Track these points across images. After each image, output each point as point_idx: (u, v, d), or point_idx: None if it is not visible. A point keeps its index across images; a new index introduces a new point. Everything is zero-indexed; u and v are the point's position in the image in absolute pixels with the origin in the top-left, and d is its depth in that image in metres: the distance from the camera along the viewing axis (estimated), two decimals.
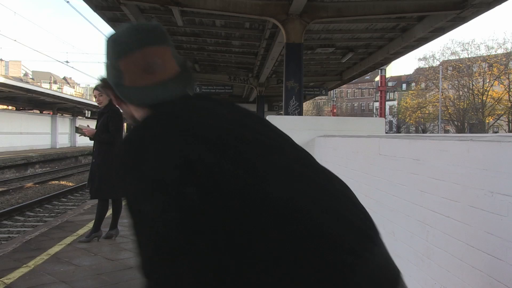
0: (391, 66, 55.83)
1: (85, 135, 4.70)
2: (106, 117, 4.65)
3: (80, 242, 4.56)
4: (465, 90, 40.95)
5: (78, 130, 4.78)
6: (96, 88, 4.73)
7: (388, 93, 55.63)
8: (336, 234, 0.70)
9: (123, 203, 3.68)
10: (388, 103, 53.95)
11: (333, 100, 64.18)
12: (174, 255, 0.67)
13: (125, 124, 4.86)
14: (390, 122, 57.63)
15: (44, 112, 31.36)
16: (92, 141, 4.76)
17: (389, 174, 2.49)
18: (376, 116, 49.86)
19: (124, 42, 0.88)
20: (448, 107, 41.35)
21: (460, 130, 40.04)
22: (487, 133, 28.63)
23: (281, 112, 17.55)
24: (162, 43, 0.90)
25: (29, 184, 13.14)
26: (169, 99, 0.87)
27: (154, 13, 9.17)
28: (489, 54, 39.39)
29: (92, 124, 4.87)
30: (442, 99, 39.68)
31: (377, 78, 51.85)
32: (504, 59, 37.99)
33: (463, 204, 1.60)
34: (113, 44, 0.89)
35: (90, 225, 5.48)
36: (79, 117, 35.90)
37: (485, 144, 1.49)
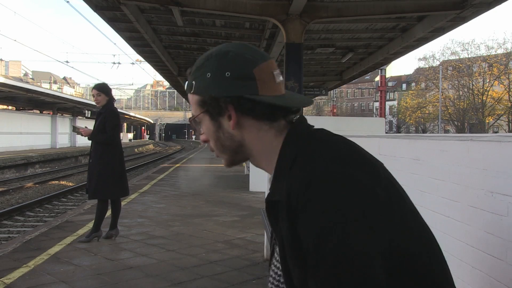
0: (391, 66, 55.80)
1: (82, 135, 4.72)
2: (103, 117, 4.66)
3: (80, 242, 4.57)
4: (465, 90, 40.95)
5: (75, 129, 4.81)
6: (95, 88, 4.73)
7: (388, 93, 55.63)
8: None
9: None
10: (388, 103, 53.94)
11: (333, 100, 64.21)
12: None
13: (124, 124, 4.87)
14: (390, 122, 57.62)
15: (44, 112, 31.37)
16: (90, 141, 4.78)
17: None
18: (376, 116, 49.86)
19: (253, 53, 0.87)
20: (448, 107, 41.34)
21: (460, 130, 40.03)
22: (487, 133, 28.63)
23: None
24: (272, 58, 0.91)
25: (29, 184, 13.13)
26: (311, 104, 0.91)
27: (154, 13, 9.18)
28: (489, 54, 39.39)
29: (91, 125, 4.88)
30: (442, 99, 39.66)
31: (377, 78, 51.84)
32: (504, 59, 37.99)
33: (463, 204, 1.60)
34: (237, 54, 0.86)
35: (90, 225, 5.48)
36: (79, 117, 35.91)
37: (485, 144, 1.49)
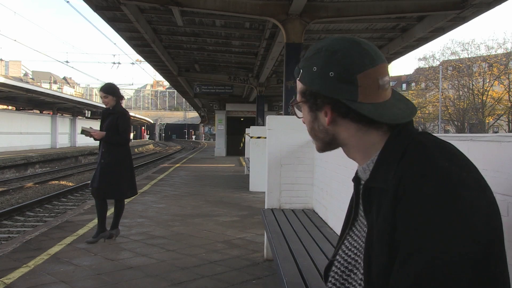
0: (391, 66, 55.71)
1: (91, 136, 4.68)
2: (116, 118, 4.64)
3: (88, 243, 4.56)
4: (465, 90, 40.94)
5: (84, 131, 4.74)
6: (101, 90, 4.71)
7: None
8: None
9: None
10: None
11: None
12: None
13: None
14: None
15: (44, 112, 31.35)
16: (97, 141, 4.75)
17: None
18: None
19: (362, 56, 0.86)
20: (448, 107, 41.34)
21: (460, 130, 40.03)
22: (487, 133, 28.63)
23: (281, 112, 17.55)
24: (386, 61, 0.89)
25: (29, 184, 13.13)
26: (410, 119, 0.86)
27: (154, 13, 9.18)
28: (489, 54, 39.38)
29: (93, 125, 4.86)
30: (442, 99, 39.67)
31: None
32: (504, 59, 37.98)
33: None
34: (345, 55, 0.86)
35: (90, 225, 5.49)
36: (79, 117, 35.90)
37: (485, 144, 1.49)
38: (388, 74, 0.88)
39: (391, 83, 0.91)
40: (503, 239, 0.76)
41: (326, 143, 0.94)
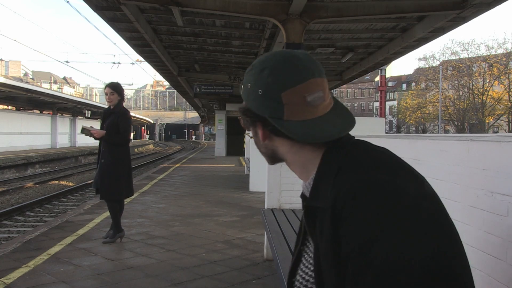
0: (391, 66, 55.83)
1: (91, 136, 4.67)
2: (117, 117, 4.63)
3: (104, 243, 4.56)
4: (465, 90, 40.97)
5: (84, 130, 4.74)
6: (109, 86, 4.71)
7: (388, 93, 55.64)
8: None
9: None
10: (388, 103, 53.96)
11: None
12: None
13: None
14: (390, 122, 57.63)
15: (44, 112, 31.36)
16: (97, 141, 4.74)
17: None
18: (376, 116, 49.87)
19: (288, 73, 0.84)
20: (448, 107, 41.36)
21: (460, 130, 40.04)
22: (487, 133, 28.63)
23: None
24: (322, 74, 0.87)
25: (29, 184, 13.13)
26: (339, 136, 0.84)
27: (154, 13, 9.18)
28: (489, 54, 39.40)
29: (94, 124, 4.86)
30: (442, 99, 39.67)
31: (377, 78, 51.85)
32: (504, 59, 38.01)
33: (463, 204, 1.60)
34: (271, 73, 0.85)
35: (90, 225, 5.49)
36: (79, 117, 35.91)
37: (485, 144, 1.49)
38: (323, 89, 0.86)
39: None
40: (455, 239, 0.75)
41: (270, 157, 0.94)
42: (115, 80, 5.00)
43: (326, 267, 0.77)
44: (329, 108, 0.87)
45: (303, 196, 0.92)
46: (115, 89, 4.67)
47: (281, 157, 0.92)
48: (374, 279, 0.67)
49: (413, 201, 0.72)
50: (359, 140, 0.87)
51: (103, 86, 5.22)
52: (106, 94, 4.72)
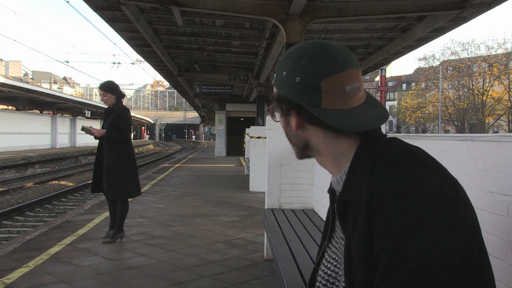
0: (391, 66, 55.80)
1: (91, 134, 4.65)
2: (117, 116, 4.60)
3: (104, 243, 4.55)
4: (465, 90, 40.95)
5: (85, 129, 4.72)
6: (100, 88, 4.70)
7: (388, 93, 55.63)
8: None
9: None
10: (388, 103, 53.96)
11: None
12: None
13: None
14: (390, 122, 57.61)
15: (44, 112, 31.35)
16: (97, 140, 4.73)
17: None
18: None
19: (328, 62, 0.84)
20: (448, 107, 41.35)
21: (460, 130, 40.03)
22: (487, 133, 28.63)
23: None
24: (358, 66, 0.88)
25: (29, 184, 13.13)
26: (376, 127, 0.84)
27: (154, 13, 9.18)
28: (489, 54, 39.39)
29: (94, 124, 4.84)
30: (442, 99, 39.67)
31: (377, 78, 51.83)
32: (504, 59, 38.00)
33: None
34: (310, 61, 0.84)
35: (90, 225, 5.49)
36: (79, 117, 35.90)
37: (485, 144, 1.49)
38: (359, 80, 0.86)
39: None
40: (481, 239, 0.76)
41: (301, 149, 0.93)
42: (109, 79, 4.94)
43: (357, 260, 0.77)
44: (363, 100, 0.87)
45: (331, 190, 0.93)
46: (106, 89, 4.62)
47: (314, 149, 0.90)
48: (406, 277, 0.68)
49: (449, 202, 0.72)
50: (393, 137, 0.87)
51: None
52: (100, 95, 4.71)
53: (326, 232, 0.97)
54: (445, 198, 0.72)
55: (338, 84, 0.83)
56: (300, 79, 0.84)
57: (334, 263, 0.92)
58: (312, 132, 0.88)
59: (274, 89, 0.92)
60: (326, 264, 0.94)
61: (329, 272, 0.92)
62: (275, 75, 0.91)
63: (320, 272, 0.96)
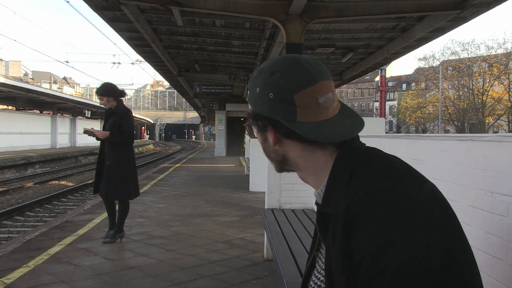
0: (391, 66, 55.83)
1: (94, 136, 4.64)
2: (119, 117, 4.59)
3: (104, 243, 4.55)
4: (465, 90, 40.97)
5: (87, 131, 4.70)
6: (97, 93, 4.67)
7: (388, 93, 55.63)
8: None
9: None
10: (388, 103, 53.94)
11: None
12: None
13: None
14: (390, 122, 57.62)
15: (44, 112, 31.36)
16: (98, 141, 4.72)
17: None
18: (376, 116, 49.86)
19: (300, 76, 0.85)
20: (448, 107, 41.36)
21: (460, 130, 40.04)
22: (487, 133, 28.62)
23: None
24: (330, 77, 0.89)
25: (29, 184, 13.13)
26: (351, 136, 0.85)
27: (154, 13, 9.18)
28: (489, 54, 39.41)
29: (95, 124, 4.83)
30: (442, 99, 39.67)
31: (377, 78, 51.84)
32: (504, 59, 38.02)
33: (463, 204, 1.60)
34: (282, 76, 0.85)
35: (90, 225, 5.49)
36: (79, 117, 35.90)
37: (485, 144, 1.49)
38: (332, 91, 0.87)
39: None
40: (464, 242, 0.76)
41: (279, 163, 0.93)
42: (105, 82, 4.88)
43: (337, 272, 0.78)
44: (337, 110, 0.88)
45: (317, 203, 0.93)
46: (103, 93, 4.58)
47: (292, 163, 0.91)
48: (387, 287, 0.68)
49: (425, 210, 0.73)
50: (370, 147, 0.87)
51: None
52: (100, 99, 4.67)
53: (315, 241, 0.97)
54: (420, 206, 0.73)
55: (312, 96, 0.84)
56: (274, 95, 0.85)
57: (323, 273, 0.91)
58: (290, 146, 0.89)
59: (249, 105, 0.92)
60: (316, 274, 0.94)
61: (318, 283, 0.92)
62: (248, 91, 0.92)
63: (311, 282, 0.96)
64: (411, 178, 0.79)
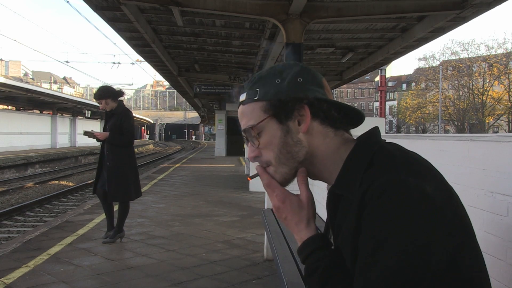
0: (391, 66, 55.81)
1: (94, 137, 4.63)
2: (119, 118, 4.57)
3: (104, 243, 4.55)
4: (465, 90, 40.97)
5: (88, 133, 4.69)
6: (95, 97, 4.64)
7: (388, 93, 55.62)
8: None
9: None
10: (388, 103, 53.94)
11: None
12: None
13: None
14: (390, 122, 57.62)
15: (44, 112, 31.36)
16: (99, 142, 4.71)
17: None
18: (376, 116, 49.85)
19: (312, 73, 0.91)
20: (448, 107, 41.36)
21: (460, 130, 40.04)
22: (487, 133, 28.62)
23: None
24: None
25: (29, 184, 13.13)
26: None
27: (154, 13, 9.18)
28: (489, 54, 39.40)
29: (95, 125, 4.82)
30: (442, 99, 39.67)
31: (377, 78, 51.83)
32: (504, 59, 38.02)
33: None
34: (305, 69, 0.91)
35: (90, 225, 5.49)
36: (79, 117, 35.90)
37: (485, 144, 1.49)
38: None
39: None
40: (475, 246, 0.77)
41: (297, 161, 0.88)
42: (101, 85, 4.86)
43: (345, 253, 0.81)
44: None
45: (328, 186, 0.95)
46: (100, 97, 4.55)
47: (311, 157, 0.88)
48: (379, 278, 0.69)
49: (437, 210, 0.73)
50: (391, 142, 0.88)
51: None
52: (100, 103, 4.64)
53: (327, 230, 0.99)
54: (434, 206, 0.73)
55: (327, 84, 0.93)
56: (303, 79, 0.88)
57: None
58: (314, 134, 0.87)
59: (257, 105, 0.87)
60: None
61: None
62: (257, 90, 0.88)
63: None
64: (431, 176, 0.79)
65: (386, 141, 0.88)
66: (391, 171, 0.76)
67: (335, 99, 0.91)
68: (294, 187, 0.91)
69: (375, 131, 0.88)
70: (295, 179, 0.91)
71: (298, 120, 0.86)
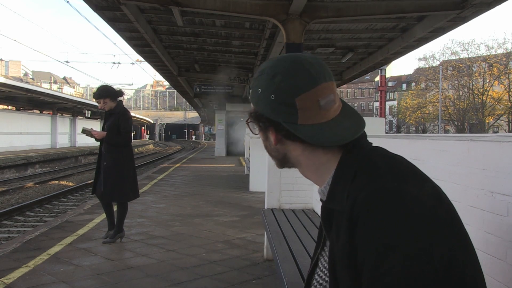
0: (391, 66, 55.83)
1: (92, 136, 4.63)
2: (117, 118, 4.57)
3: (104, 243, 4.55)
4: (465, 90, 40.97)
5: (85, 131, 4.70)
6: (94, 97, 4.66)
7: (388, 93, 55.65)
8: None
9: None
10: (388, 103, 53.96)
11: None
12: None
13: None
14: (390, 122, 57.61)
15: (44, 112, 31.35)
16: (98, 142, 4.71)
17: None
18: (376, 116, 49.86)
19: (301, 78, 0.84)
20: (448, 107, 41.36)
21: (460, 130, 40.04)
22: (487, 133, 28.62)
23: None
24: (332, 78, 0.88)
25: (29, 184, 13.13)
26: (352, 139, 0.84)
27: (154, 13, 9.18)
28: (489, 54, 39.41)
29: (95, 125, 4.83)
30: (442, 99, 39.68)
31: (377, 78, 51.85)
32: (504, 59, 38.02)
33: (463, 204, 1.60)
34: (283, 79, 0.85)
35: (90, 225, 5.49)
36: (79, 117, 35.90)
37: (485, 144, 1.49)
38: (334, 92, 0.86)
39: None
40: (468, 244, 0.76)
41: (280, 161, 0.94)
42: (101, 85, 4.87)
43: (341, 267, 0.78)
44: (338, 111, 0.88)
45: (321, 200, 0.94)
46: (99, 96, 4.56)
47: (293, 161, 0.92)
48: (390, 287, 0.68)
49: (429, 211, 0.73)
50: (377, 146, 0.87)
51: None
52: (98, 103, 4.65)
53: (320, 240, 0.98)
54: (424, 207, 0.73)
55: (313, 99, 0.83)
56: (275, 97, 0.85)
57: (326, 272, 0.92)
58: (291, 146, 0.89)
59: (251, 104, 0.92)
60: (319, 272, 0.95)
61: (320, 281, 0.93)
62: (251, 90, 0.91)
63: (314, 281, 0.96)
64: (416, 178, 0.79)
65: (372, 145, 0.87)
66: (376, 179, 0.76)
67: (337, 99, 0.88)
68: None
69: (360, 138, 0.86)
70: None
71: (270, 132, 0.89)
